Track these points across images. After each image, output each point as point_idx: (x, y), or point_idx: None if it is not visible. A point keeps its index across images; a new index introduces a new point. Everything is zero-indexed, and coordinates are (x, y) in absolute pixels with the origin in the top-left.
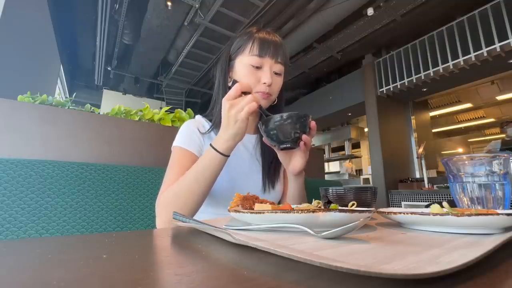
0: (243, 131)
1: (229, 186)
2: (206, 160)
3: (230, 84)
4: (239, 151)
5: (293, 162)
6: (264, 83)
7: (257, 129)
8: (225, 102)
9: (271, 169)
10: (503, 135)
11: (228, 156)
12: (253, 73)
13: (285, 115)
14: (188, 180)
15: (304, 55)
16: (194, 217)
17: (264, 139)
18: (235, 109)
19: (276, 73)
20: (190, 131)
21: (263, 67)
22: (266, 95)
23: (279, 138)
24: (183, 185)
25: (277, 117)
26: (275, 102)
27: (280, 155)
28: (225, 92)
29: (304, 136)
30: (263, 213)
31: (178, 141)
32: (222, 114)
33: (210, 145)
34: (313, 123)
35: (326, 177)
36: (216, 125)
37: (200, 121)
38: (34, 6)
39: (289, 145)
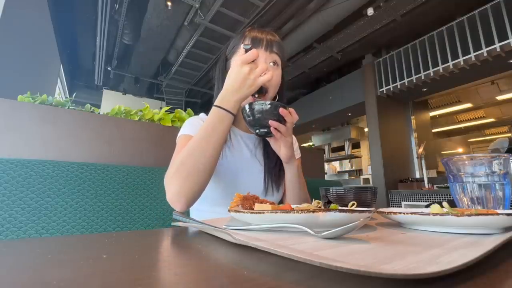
0: (250, 95)
1: (230, 185)
2: (215, 121)
3: (244, 47)
4: (240, 149)
5: (281, 150)
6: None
7: None
8: (243, 64)
9: (276, 171)
10: (510, 134)
11: (235, 115)
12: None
13: (256, 103)
14: (198, 141)
15: (304, 55)
16: (194, 217)
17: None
18: (254, 73)
19: (272, 64)
20: (196, 121)
21: (258, 60)
22: None
23: (253, 124)
24: (193, 146)
25: (251, 103)
26: (276, 98)
27: (271, 143)
28: None
29: (271, 122)
30: (263, 213)
31: (183, 131)
32: (235, 75)
33: (215, 105)
34: (288, 111)
35: (326, 177)
36: None
37: (204, 118)
38: (34, 6)
39: (264, 131)
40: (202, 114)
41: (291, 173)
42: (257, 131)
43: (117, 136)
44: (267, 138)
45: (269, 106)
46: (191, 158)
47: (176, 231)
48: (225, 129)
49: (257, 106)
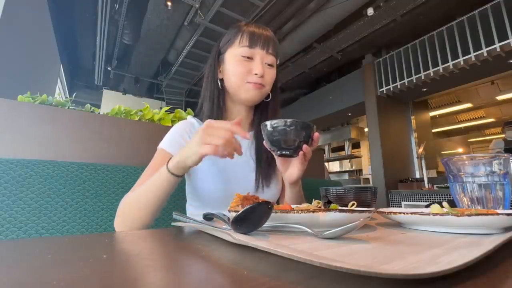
0: (197, 158)
1: (220, 187)
2: (158, 179)
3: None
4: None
5: (290, 171)
6: (256, 74)
7: (251, 127)
8: (206, 127)
9: (265, 167)
10: (504, 135)
11: (180, 176)
12: (244, 64)
13: (289, 121)
14: (143, 194)
15: (304, 55)
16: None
17: (265, 142)
18: (211, 133)
19: (268, 65)
20: (178, 134)
21: (254, 58)
22: (258, 85)
23: (279, 144)
24: (139, 196)
25: (281, 122)
26: (269, 98)
27: (278, 161)
28: (215, 87)
29: (305, 146)
30: None
31: (163, 143)
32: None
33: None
34: (316, 134)
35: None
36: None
37: (191, 123)
38: (34, 6)
39: (288, 153)
40: (189, 117)
41: (292, 195)
42: (281, 152)
43: (117, 136)
44: (275, 156)
45: (303, 126)
46: (135, 205)
47: (176, 231)
48: (168, 188)
49: (291, 126)
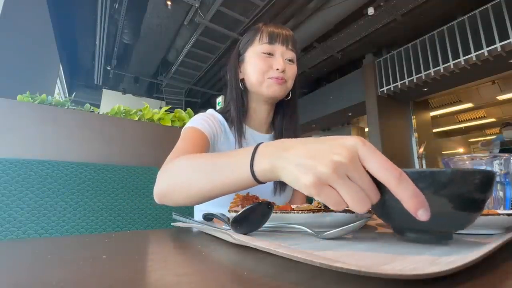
0: (295, 185)
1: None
2: (234, 171)
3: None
4: None
5: None
6: (277, 69)
7: (270, 129)
8: (350, 148)
9: None
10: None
11: (260, 183)
12: (265, 60)
13: (451, 173)
14: (204, 169)
15: (304, 54)
16: (198, 217)
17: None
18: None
19: (288, 60)
20: (206, 117)
21: (275, 54)
22: (280, 80)
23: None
24: (199, 167)
25: (440, 175)
26: (290, 97)
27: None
28: (237, 87)
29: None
30: None
31: (191, 123)
32: (323, 141)
33: (255, 150)
34: None
35: None
36: (232, 121)
37: (214, 115)
38: (34, 6)
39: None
40: (211, 110)
41: None
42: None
43: (116, 136)
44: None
45: (474, 182)
46: (188, 177)
47: (176, 231)
48: (239, 188)
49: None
